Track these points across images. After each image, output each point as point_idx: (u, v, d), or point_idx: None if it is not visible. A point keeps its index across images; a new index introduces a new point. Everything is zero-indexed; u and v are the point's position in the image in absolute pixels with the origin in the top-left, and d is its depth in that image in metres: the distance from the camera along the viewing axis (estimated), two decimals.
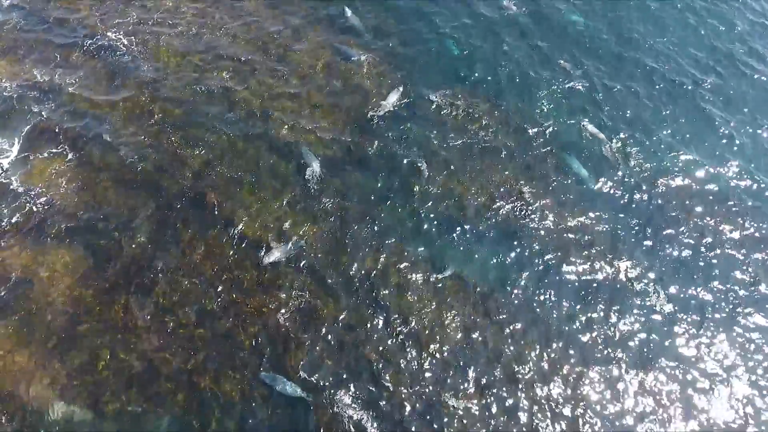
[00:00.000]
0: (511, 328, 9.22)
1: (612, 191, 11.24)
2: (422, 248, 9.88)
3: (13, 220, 9.32)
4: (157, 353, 8.31)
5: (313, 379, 8.33)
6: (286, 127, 11.16)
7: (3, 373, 7.97)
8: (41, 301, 8.61)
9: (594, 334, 9.33)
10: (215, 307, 8.79)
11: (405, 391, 8.40)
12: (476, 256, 9.95)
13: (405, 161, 10.96)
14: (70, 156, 10.15)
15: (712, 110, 13.06)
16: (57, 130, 10.42)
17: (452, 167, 11.03)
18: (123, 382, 8.06)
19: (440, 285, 9.51)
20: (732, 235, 10.89)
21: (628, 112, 12.68)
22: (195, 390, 8.08)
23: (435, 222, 10.26)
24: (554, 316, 9.45)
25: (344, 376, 8.42)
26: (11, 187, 9.60)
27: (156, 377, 8.13)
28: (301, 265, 9.38)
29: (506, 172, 11.11)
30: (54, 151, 10.15)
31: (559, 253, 10.16)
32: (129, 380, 8.08)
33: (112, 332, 8.42)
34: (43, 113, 10.66)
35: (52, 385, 7.94)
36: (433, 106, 11.98)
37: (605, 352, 9.17)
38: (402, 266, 9.60)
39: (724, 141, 12.54)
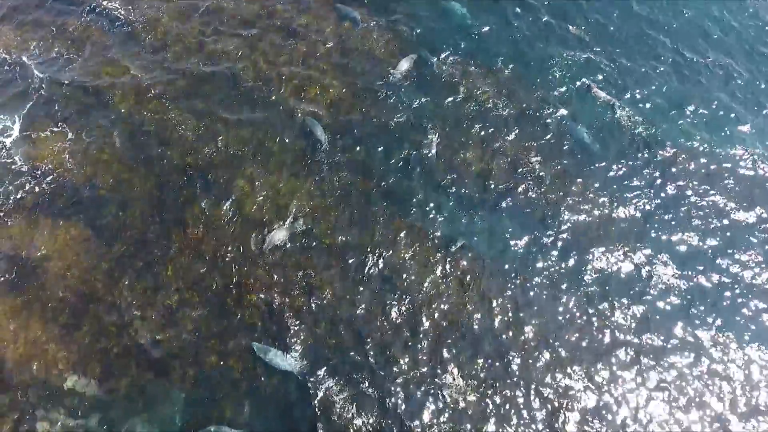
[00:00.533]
0: (520, 302, 9.04)
1: (621, 160, 10.77)
2: (431, 222, 9.67)
3: (19, 197, 9.31)
4: (163, 330, 8.34)
5: (313, 357, 8.29)
6: (292, 98, 10.85)
7: (16, 348, 8.09)
8: (50, 276, 8.66)
9: (605, 308, 9.11)
10: (218, 284, 8.74)
11: (408, 370, 8.33)
12: (486, 228, 9.72)
13: (415, 134, 10.63)
14: (70, 132, 10.02)
15: (724, 86, 12.31)
16: (57, 107, 10.27)
17: (462, 138, 10.68)
18: (132, 357, 8.13)
19: (449, 259, 9.33)
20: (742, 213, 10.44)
21: (638, 82, 12.04)
22: (202, 366, 8.12)
23: (444, 195, 10.01)
24: (563, 287, 9.24)
25: (346, 354, 8.37)
26: (15, 165, 9.52)
27: (163, 354, 8.19)
28: (306, 242, 9.25)
29: (515, 142, 10.74)
30: (55, 127, 10.03)
31: (569, 225, 9.87)
32: (138, 355, 8.15)
33: (119, 309, 8.46)
34: (43, 88, 10.46)
35: (64, 360, 8.05)
36: (443, 75, 11.53)
37: (614, 329, 8.96)
38: (410, 240, 9.41)
39: (735, 118, 11.85)
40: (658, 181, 10.54)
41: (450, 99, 11.20)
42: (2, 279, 8.60)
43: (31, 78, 10.62)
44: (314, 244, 9.26)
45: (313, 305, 8.71)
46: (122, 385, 7.91)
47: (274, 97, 10.84)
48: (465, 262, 9.30)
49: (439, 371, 8.35)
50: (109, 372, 7.98)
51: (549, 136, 10.90)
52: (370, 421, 7.90)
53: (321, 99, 10.91)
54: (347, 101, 10.96)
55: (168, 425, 7.70)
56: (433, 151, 10.39)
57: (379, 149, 10.41)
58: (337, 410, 7.89)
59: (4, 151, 9.60)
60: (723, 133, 11.43)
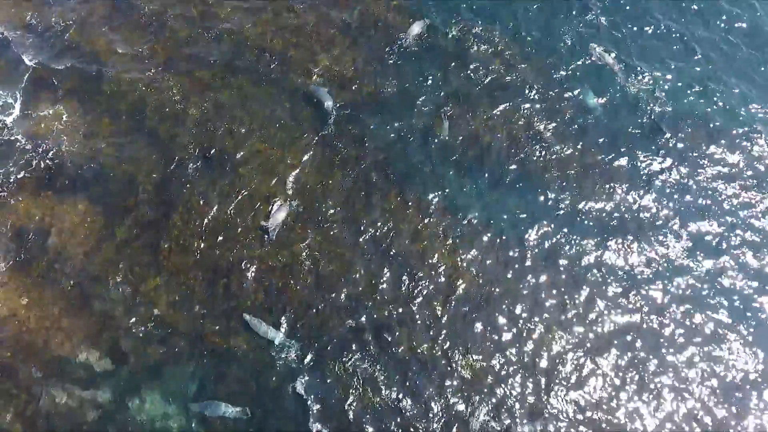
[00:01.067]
0: (532, 273, 8.91)
1: (629, 127, 10.35)
2: (439, 195, 9.46)
3: (24, 175, 9.21)
4: (170, 309, 8.36)
5: (311, 332, 8.30)
6: (300, 67, 10.47)
7: (27, 324, 8.19)
8: (60, 252, 8.67)
9: (616, 279, 8.95)
10: (223, 262, 8.69)
11: (407, 345, 8.30)
12: (496, 200, 9.51)
13: (426, 104, 10.25)
14: (72, 106, 9.80)
15: (739, 53, 11.51)
16: (56, 81, 10.00)
17: (472, 108, 10.29)
18: (141, 334, 8.19)
19: (460, 231, 9.16)
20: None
21: (652, 47, 11.35)
22: (208, 344, 8.17)
23: (454, 167, 9.74)
24: (576, 260, 9.07)
25: (352, 332, 8.36)
26: (18, 143, 9.38)
27: (171, 332, 8.23)
28: (312, 218, 9.12)
29: (526, 112, 10.32)
30: (56, 102, 9.80)
31: (579, 195, 9.60)
32: (147, 333, 8.21)
33: (126, 285, 8.48)
34: (41, 60, 10.14)
35: (75, 336, 8.15)
36: (454, 41, 10.99)
37: (627, 296, 8.82)
38: (416, 214, 9.25)
39: (752, 94, 11.07)
40: (669, 154, 10.12)
41: (460, 67, 10.74)
42: (12, 256, 8.64)
43: (28, 48, 10.29)
44: (319, 218, 9.13)
45: (316, 281, 8.66)
46: (131, 359, 8.03)
47: (280, 68, 10.46)
48: (470, 236, 9.13)
49: (439, 345, 8.33)
50: (118, 346, 8.09)
51: (560, 106, 10.47)
52: (368, 396, 7.96)
53: (329, 68, 10.51)
54: (356, 70, 10.56)
55: (175, 399, 7.83)
56: (445, 124, 10.02)
57: (389, 120, 10.09)
58: (333, 385, 7.97)
59: (6, 129, 9.42)
60: (737, 109, 10.78)
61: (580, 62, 10.96)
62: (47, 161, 9.31)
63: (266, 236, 8.83)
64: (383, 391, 7.96)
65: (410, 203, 9.36)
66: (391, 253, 8.92)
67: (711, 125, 10.38)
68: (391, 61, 10.64)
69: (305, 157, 9.60)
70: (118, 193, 9.17)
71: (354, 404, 7.87)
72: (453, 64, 10.75)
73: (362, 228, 9.09)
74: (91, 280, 8.52)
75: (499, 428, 7.83)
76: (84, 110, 9.83)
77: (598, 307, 8.71)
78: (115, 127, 9.71)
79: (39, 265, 8.59)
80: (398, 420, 7.81)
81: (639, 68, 10.98)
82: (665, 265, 9.11)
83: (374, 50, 10.78)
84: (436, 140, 9.95)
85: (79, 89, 9.99)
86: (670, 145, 10.18)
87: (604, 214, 9.49)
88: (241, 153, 9.57)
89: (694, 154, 10.10)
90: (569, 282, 8.89)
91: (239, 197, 9.19)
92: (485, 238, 9.14)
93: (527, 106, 10.40)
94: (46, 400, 7.73)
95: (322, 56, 10.61)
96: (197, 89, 10.12)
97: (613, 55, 10.91)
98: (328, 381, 7.99)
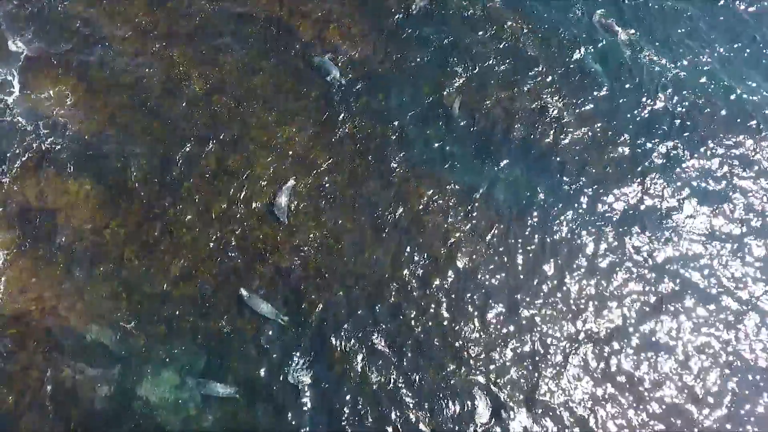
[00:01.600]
0: (541, 248, 8.97)
1: (641, 101, 10.23)
2: (451, 172, 9.39)
3: (28, 155, 9.02)
4: (174, 287, 8.35)
5: (326, 313, 8.34)
6: (307, 39, 10.17)
7: (36, 303, 8.15)
8: (66, 232, 8.59)
9: (624, 254, 9.05)
10: (225, 244, 8.65)
11: (425, 324, 8.40)
12: (506, 176, 9.45)
13: (439, 76, 10.04)
14: (71, 84, 9.51)
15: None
16: (55, 60, 9.65)
17: (484, 79, 10.09)
18: (148, 312, 8.20)
19: (470, 208, 9.15)
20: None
21: (662, 22, 11.09)
22: (211, 326, 8.20)
23: (466, 140, 9.63)
24: (584, 234, 9.13)
25: (362, 313, 8.41)
26: (20, 124, 9.14)
27: (178, 311, 8.24)
28: (322, 195, 9.06)
29: (538, 83, 10.16)
30: (55, 81, 9.48)
31: (590, 169, 9.59)
32: (153, 312, 8.21)
33: (133, 264, 8.46)
34: (38, 39, 9.78)
35: (83, 313, 8.13)
36: (465, 11, 10.66)
37: (636, 271, 8.92)
38: (429, 192, 9.20)
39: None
40: (678, 123, 10.06)
41: (473, 36, 10.46)
42: (20, 236, 8.55)
43: (22, 25, 9.89)
44: (330, 197, 9.07)
45: (327, 260, 8.67)
46: (140, 337, 8.06)
47: (287, 39, 10.14)
48: (485, 211, 9.13)
49: (456, 323, 8.43)
50: (127, 324, 8.12)
51: (572, 77, 10.31)
52: (383, 378, 8.08)
53: (339, 39, 10.23)
54: (366, 40, 10.29)
55: (181, 377, 7.90)
56: (457, 102, 9.82)
57: (400, 93, 9.91)
58: (352, 364, 8.08)
59: (7, 109, 9.16)
60: (746, 78, 10.67)
61: (589, 29, 10.76)
62: (49, 140, 9.09)
63: (279, 220, 8.76)
64: (382, 372, 8.09)
65: (419, 179, 9.29)
66: (400, 228, 8.93)
67: (719, 110, 10.30)
68: (404, 30, 10.38)
69: (311, 132, 9.47)
70: (119, 171, 9.01)
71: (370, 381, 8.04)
72: (465, 32, 10.47)
73: (369, 203, 9.07)
74: (98, 258, 8.47)
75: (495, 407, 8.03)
76: (82, 88, 9.54)
77: (611, 290, 8.82)
78: (114, 102, 9.45)
79: (46, 244, 8.50)
80: (397, 402, 7.96)
81: (650, 35, 10.82)
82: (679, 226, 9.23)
83: (386, 16, 10.48)
84: (445, 113, 9.79)
85: (77, 66, 9.66)
86: (681, 126, 10.10)
87: (617, 196, 9.50)
88: (246, 129, 9.40)
89: (704, 123, 10.08)
90: (580, 262, 8.97)
91: (246, 175, 9.07)
92: (492, 213, 9.15)
93: (539, 75, 10.24)
94: (55, 377, 7.77)
95: (331, 26, 10.31)
96: (201, 61, 9.85)
97: (621, 29, 10.68)
98: (345, 358, 8.11)
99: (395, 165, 9.37)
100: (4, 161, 8.87)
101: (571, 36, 10.66)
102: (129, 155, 9.12)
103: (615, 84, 10.31)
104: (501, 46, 10.43)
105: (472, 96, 9.95)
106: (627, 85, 10.37)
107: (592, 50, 10.58)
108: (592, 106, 10.11)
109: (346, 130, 9.55)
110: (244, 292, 8.25)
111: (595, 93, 10.22)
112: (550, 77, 10.25)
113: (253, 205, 8.91)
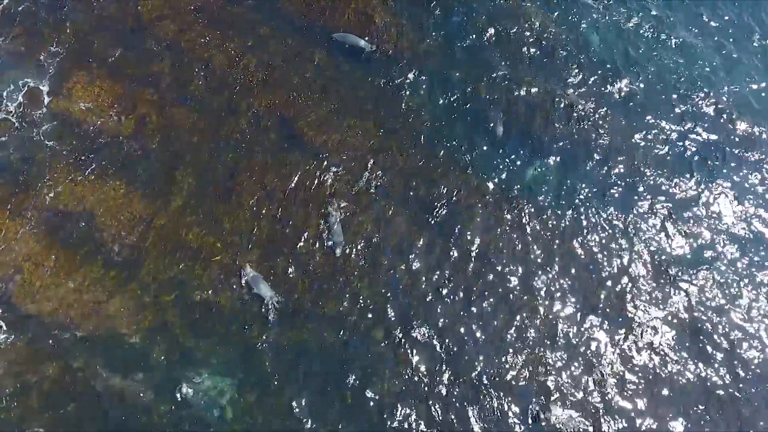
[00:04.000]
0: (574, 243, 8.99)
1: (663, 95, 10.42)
2: (493, 169, 9.43)
3: (66, 155, 8.81)
4: (209, 289, 8.20)
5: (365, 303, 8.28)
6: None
7: (75, 303, 7.93)
8: (105, 233, 8.38)
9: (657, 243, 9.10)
10: (279, 242, 8.55)
11: (461, 318, 8.35)
12: (549, 172, 9.51)
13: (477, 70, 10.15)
14: (106, 78, 9.33)
15: None
16: (90, 59, 9.49)
17: (521, 72, 10.19)
18: (187, 312, 8.03)
19: (513, 203, 9.14)
20: None
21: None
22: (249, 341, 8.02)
23: (508, 141, 9.68)
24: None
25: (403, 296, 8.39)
26: (54, 123, 8.97)
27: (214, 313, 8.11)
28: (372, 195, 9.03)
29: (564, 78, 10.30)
30: (89, 75, 9.33)
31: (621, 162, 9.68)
32: (191, 311, 8.05)
33: (172, 266, 8.28)
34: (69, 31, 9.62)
35: (122, 314, 7.94)
36: None
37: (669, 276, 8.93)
38: (471, 187, 9.22)
39: None
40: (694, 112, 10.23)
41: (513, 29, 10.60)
42: (59, 237, 8.32)
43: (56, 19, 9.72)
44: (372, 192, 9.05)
45: (372, 252, 8.63)
46: (176, 336, 7.87)
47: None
48: (522, 206, 9.16)
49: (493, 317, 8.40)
50: (164, 322, 7.95)
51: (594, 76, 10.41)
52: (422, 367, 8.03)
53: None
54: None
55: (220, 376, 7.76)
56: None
57: (437, 84, 10.00)
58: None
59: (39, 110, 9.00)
60: None
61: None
62: (85, 139, 8.93)
63: (334, 253, 8.54)
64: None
65: (457, 170, 9.32)
66: (442, 223, 8.89)
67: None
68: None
69: (369, 126, 9.52)
70: (163, 169, 8.87)
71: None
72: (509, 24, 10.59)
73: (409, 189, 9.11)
74: (137, 259, 8.26)
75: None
76: (117, 82, 9.40)
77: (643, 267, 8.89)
78: (153, 97, 9.32)
79: (86, 245, 8.28)
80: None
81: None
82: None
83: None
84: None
85: (111, 60, 9.53)
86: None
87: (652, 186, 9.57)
88: (298, 119, 9.39)
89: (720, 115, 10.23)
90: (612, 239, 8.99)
91: (292, 175, 8.99)
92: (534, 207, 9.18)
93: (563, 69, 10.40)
94: (95, 379, 7.55)
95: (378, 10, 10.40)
96: (250, 46, 9.87)
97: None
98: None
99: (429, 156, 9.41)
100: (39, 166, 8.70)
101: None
102: (165, 158, 8.97)
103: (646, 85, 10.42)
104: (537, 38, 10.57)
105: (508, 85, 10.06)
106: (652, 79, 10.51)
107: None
108: (615, 103, 10.24)
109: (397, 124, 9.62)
110: (248, 269, 8.16)
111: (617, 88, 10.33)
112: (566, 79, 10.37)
113: (301, 206, 8.84)
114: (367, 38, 9.96)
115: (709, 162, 9.78)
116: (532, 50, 10.44)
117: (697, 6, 11.27)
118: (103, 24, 9.80)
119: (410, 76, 9.94)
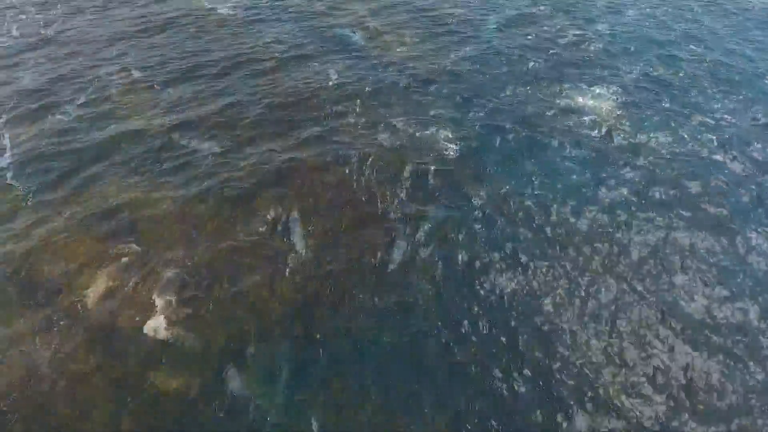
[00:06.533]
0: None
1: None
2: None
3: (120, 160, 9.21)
4: (260, 290, 8.12)
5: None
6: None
7: (125, 309, 7.86)
8: (159, 236, 8.53)
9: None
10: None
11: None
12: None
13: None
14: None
15: None
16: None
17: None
18: (238, 311, 7.90)
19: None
20: None
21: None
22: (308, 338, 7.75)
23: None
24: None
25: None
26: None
27: (267, 314, 7.96)
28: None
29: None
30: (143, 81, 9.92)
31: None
32: (248, 308, 7.90)
33: (231, 269, 8.27)
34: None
35: (170, 320, 7.78)
36: None
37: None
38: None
39: None
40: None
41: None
42: (112, 241, 8.50)
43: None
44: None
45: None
46: (223, 342, 7.59)
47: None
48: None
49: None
50: (210, 329, 7.76)
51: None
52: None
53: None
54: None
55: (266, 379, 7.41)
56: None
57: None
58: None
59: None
60: None
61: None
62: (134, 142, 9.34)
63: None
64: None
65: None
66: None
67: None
68: None
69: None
70: (205, 176, 9.04)
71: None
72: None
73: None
74: (187, 264, 8.22)
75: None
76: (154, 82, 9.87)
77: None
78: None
79: (147, 242, 8.40)
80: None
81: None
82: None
83: None
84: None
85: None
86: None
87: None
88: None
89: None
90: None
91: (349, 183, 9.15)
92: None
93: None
94: (148, 384, 7.20)
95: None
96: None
97: None
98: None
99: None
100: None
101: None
102: (212, 163, 9.21)
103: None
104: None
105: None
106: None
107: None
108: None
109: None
110: None
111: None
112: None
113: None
114: None
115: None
116: None
117: None
118: None
119: None
